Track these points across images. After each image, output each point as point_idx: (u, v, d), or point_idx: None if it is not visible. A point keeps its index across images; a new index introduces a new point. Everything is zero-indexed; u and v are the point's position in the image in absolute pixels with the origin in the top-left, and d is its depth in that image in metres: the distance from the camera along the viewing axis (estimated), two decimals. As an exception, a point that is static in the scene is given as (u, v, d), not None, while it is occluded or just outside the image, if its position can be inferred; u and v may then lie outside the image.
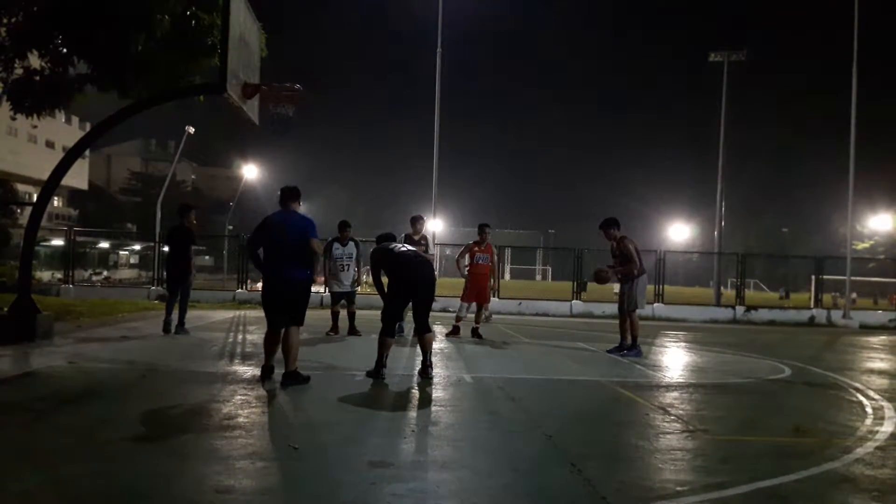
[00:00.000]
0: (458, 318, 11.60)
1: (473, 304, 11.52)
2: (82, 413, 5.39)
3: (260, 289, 7.52)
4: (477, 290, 11.41)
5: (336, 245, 11.06)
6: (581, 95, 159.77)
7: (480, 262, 11.44)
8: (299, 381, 6.55)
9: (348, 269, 11.01)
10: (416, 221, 11.44)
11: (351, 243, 11.07)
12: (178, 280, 10.96)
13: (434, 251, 11.64)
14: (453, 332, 11.46)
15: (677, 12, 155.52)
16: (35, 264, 19.34)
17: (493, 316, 11.70)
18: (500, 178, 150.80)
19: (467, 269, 11.52)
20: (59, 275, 23.10)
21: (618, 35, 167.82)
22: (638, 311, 9.93)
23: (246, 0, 9.84)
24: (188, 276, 11.00)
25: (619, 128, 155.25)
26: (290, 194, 6.89)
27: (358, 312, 11.34)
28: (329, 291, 11.48)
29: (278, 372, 6.66)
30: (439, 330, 12.60)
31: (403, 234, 10.95)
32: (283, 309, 6.67)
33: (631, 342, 9.83)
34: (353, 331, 11.02)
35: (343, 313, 11.22)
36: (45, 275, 27.13)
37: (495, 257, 11.95)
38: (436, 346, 9.86)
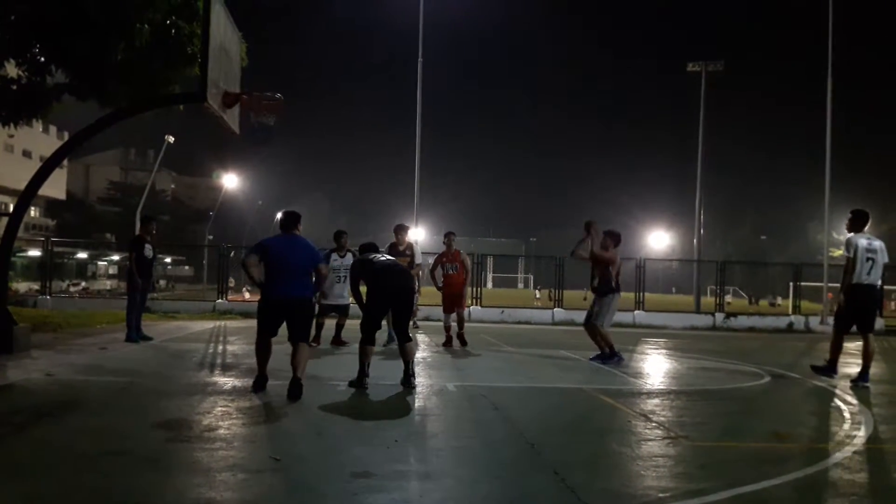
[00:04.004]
0: (447, 328, 11.49)
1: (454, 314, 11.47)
2: (60, 426, 5.32)
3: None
4: (451, 299, 11.31)
5: (334, 256, 10.83)
6: (562, 104, 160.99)
7: (450, 271, 11.33)
8: (300, 393, 6.49)
9: (344, 281, 10.64)
10: (399, 231, 11.15)
11: (349, 254, 10.75)
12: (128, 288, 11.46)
13: (420, 260, 11.43)
14: (446, 343, 11.35)
15: (657, 23, 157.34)
16: (11, 275, 19.07)
17: (476, 324, 11.52)
18: (483, 187, 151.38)
19: (441, 280, 11.45)
20: (36, 286, 22.80)
21: (599, 44, 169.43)
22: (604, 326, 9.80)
23: (226, 9, 9.83)
24: (130, 284, 11.22)
25: (600, 136, 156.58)
26: (294, 219, 7.10)
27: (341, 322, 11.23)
28: (318, 303, 10.94)
29: (271, 383, 6.73)
30: (422, 339, 12.60)
31: (388, 244, 10.85)
32: (292, 324, 6.80)
33: (609, 351, 9.77)
34: (338, 341, 10.88)
35: (328, 322, 11.07)
36: (21, 286, 26.77)
37: (467, 264, 11.70)
38: (419, 355, 9.87)
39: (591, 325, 9.84)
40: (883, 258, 8.43)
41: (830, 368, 8.69)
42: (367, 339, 7.19)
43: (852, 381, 8.40)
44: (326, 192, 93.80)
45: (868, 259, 8.32)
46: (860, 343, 8.54)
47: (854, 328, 8.57)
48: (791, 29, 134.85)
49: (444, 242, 11.66)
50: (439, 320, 17.55)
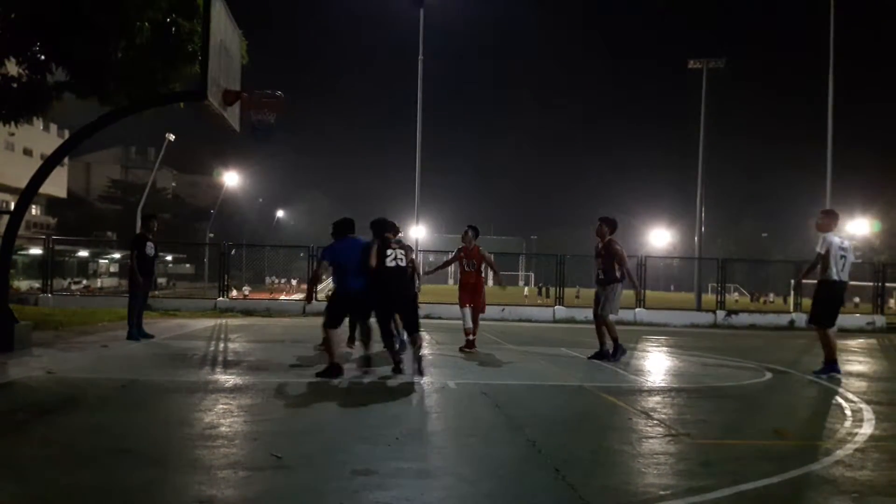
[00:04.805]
0: (466, 331, 10.51)
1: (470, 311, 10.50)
2: (62, 424, 5.32)
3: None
4: (468, 297, 10.46)
5: None
6: (563, 101, 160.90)
7: (467, 268, 10.54)
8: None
9: None
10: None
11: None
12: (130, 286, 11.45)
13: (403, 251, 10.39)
14: (468, 345, 10.42)
15: (657, 20, 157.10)
16: (12, 273, 19.10)
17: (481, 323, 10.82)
18: (484, 185, 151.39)
19: (433, 273, 11.11)
20: (37, 284, 22.83)
21: (600, 42, 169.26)
22: (611, 317, 9.82)
23: (227, 7, 9.81)
24: (131, 282, 11.20)
25: (600, 134, 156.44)
26: (352, 224, 8.13)
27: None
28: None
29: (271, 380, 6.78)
30: (424, 336, 12.54)
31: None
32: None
33: (613, 345, 9.75)
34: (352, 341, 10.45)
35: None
36: (22, 284, 26.82)
37: (489, 259, 10.68)
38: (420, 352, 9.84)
39: (599, 319, 9.84)
40: (851, 257, 8.89)
41: (831, 367, 8.86)
42: (385, 334, 8.11)
43: (831, 375, 8.76)
44: (326, 190, 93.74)
45: (841, 257, 8.76)
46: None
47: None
48: (793, 25, 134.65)
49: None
50: (440, 318, 17.64)
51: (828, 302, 8.85)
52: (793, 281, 22.94)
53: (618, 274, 9.76)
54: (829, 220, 9.09)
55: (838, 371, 8.86)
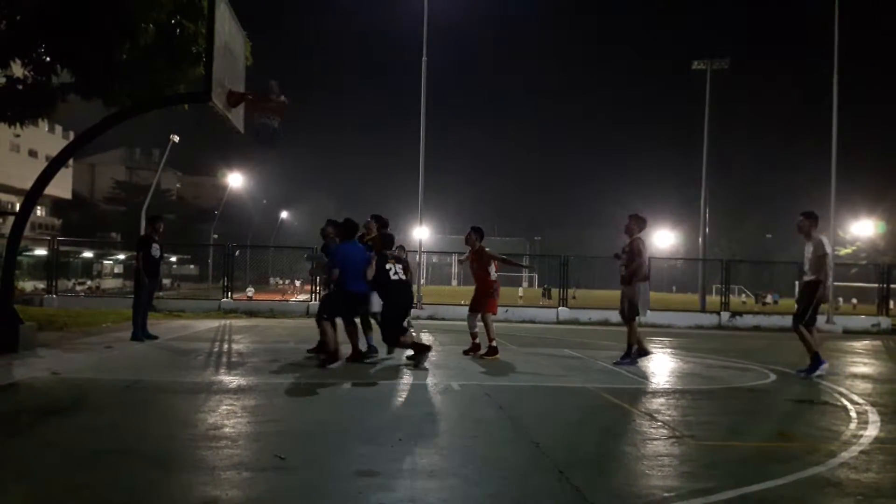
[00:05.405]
0: (472, 336, 10.28)
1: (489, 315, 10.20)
2: (66, 425, 5.33)
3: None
4: (473, 301, 10.23)
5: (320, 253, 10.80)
6: (567, 101, 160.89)
7: (474, 271, 10.26)
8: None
9: None
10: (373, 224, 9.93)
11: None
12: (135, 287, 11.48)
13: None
14: (472, 350, 10.17)
15: (661, 20, 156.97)
16: (17, 274, 19.16)
17: (479, 323, 10.53)
18: (487, 185, 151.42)
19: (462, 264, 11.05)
20: (41, 285, 22.90)
21: (604, 42, 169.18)
22: (639, 319, 9.64)
23: (231, 8, 9.83)
24: (137, 283, 11.22)
25: (604, 134, 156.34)
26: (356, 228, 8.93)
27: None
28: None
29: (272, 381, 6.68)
30: (426, 338, 12.56)
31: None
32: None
33: (626, 349, 9.63)
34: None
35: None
36: (27, 285, 26.89)
37: (496, 257, 10.36)
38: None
39: (628, 320, 9.69)
40: None
41: (818, 361, 8.92)
42: (397, 334, 8.63)
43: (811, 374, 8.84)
44: (330, 191, 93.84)
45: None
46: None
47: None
48: (796, 25, 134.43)
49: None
50: (443, 319, 17.65)
51: (819, 302, 9.03)
52: (797, 282, 22.92)
53: (639, 272, 9.51)
54: (813, 222, 9.15)
55: (824, 362, 9.02)
